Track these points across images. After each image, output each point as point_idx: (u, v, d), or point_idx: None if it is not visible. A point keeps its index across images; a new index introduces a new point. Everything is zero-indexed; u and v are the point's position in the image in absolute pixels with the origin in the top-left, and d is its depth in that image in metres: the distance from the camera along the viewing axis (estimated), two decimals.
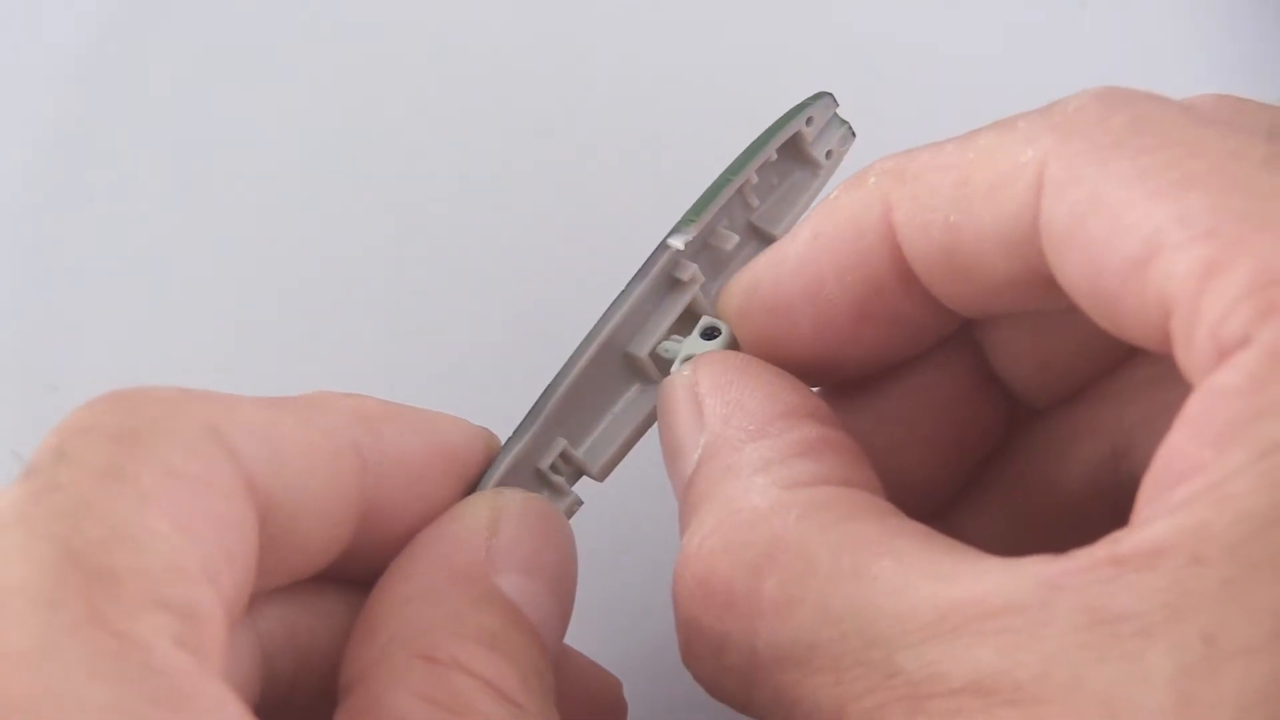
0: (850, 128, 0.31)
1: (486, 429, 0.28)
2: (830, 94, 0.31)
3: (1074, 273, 0.24)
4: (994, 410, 0.30)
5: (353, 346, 0.40)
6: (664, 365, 0.29)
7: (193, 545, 0.21)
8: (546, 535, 0.27)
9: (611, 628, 0.35)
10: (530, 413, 0.29)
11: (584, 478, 0.30)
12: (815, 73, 0.43)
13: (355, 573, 0.26)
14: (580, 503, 0.29)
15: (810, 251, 0.28)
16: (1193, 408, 0.21)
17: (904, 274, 0.27)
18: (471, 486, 0.28)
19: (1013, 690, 0.21)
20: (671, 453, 0.28)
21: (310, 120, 0.43)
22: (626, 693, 0.30)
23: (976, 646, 0.21)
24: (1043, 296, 0.25)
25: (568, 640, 0.28)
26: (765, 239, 0.31)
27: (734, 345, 0.29)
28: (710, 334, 0.29)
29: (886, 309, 0.27)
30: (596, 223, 0.41)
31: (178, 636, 0.20)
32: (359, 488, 0.25)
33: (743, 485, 0.25)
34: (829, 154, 0.31)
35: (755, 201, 0.31)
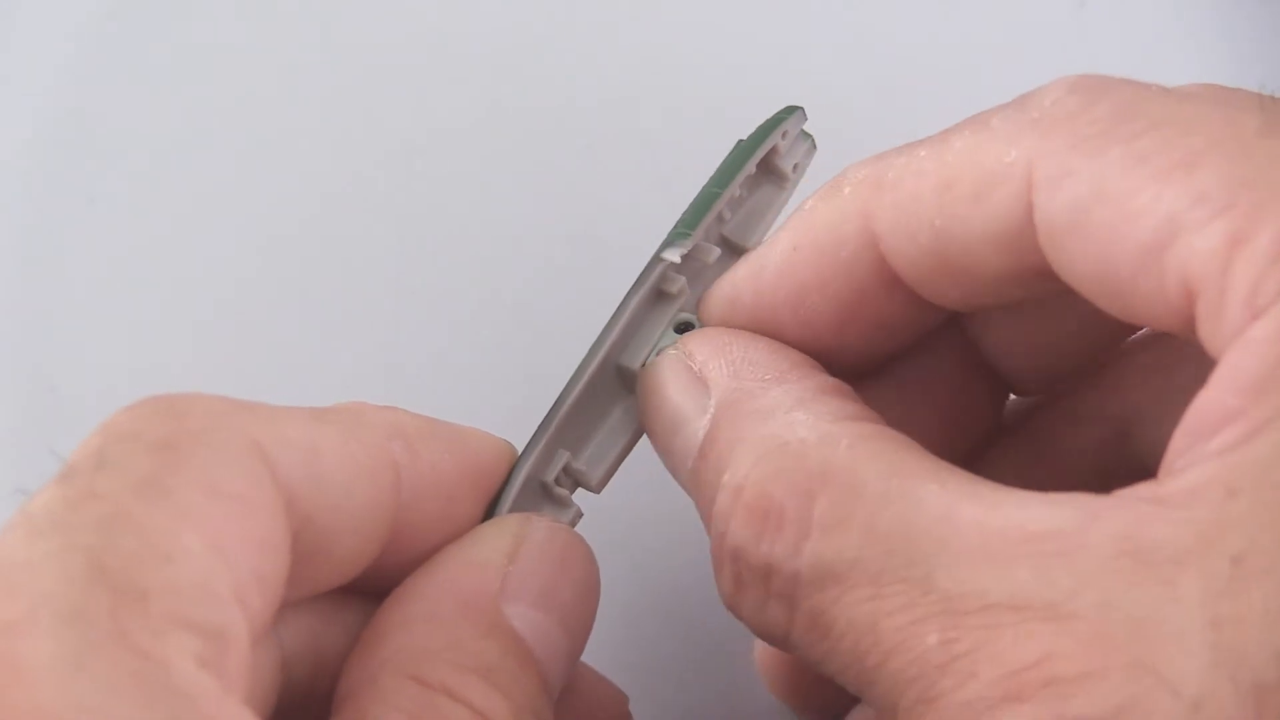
0: (813, 141, 0.32)
1: (509, 442, 0.28)
2: (801, 108, 0.31)
3: (1079, 266, 0.24)
4: (985, 394, 0.30)
5: (352, 346, 0.40)
6: None
7: (224, 566, 0.21)
8: (567, 568, 0.27)
9: (612, 638, 0.35)
10: (540, 427, 0.29)
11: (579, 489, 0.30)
12: (813, 74, 0.43)
13: (377, 584, 0.26)
14: (581, 514, 0.29)
15: (790, 264, 0.28)
16: (1226, 362, 0.22)
17: (888, 279, 0.27)
18: (492, 501, 0.28)
19: (1046, 608, 0.21)
20: (669, 426, 0.28)
21: (312, 125, 0.43)
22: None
23: (1014, 567, 0.22)
24: (1038, 286, 0.25)
25: None
26: (737, 252, 0.31)
27: None
28: (684, 329, 0.30)
29: (872, 313, 0.28)
30: (590, 231, 0.41)
31: (202, 657, 0.20)
32: (393, 504, 0.25)
33: (784, 421, 0.26)
34: (795, 167, 0.32)
35: (727, 215, 0.31)
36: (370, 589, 0.26)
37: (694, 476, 0.27)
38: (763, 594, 0.25)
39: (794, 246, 0.28)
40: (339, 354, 0.40)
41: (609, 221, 0.41)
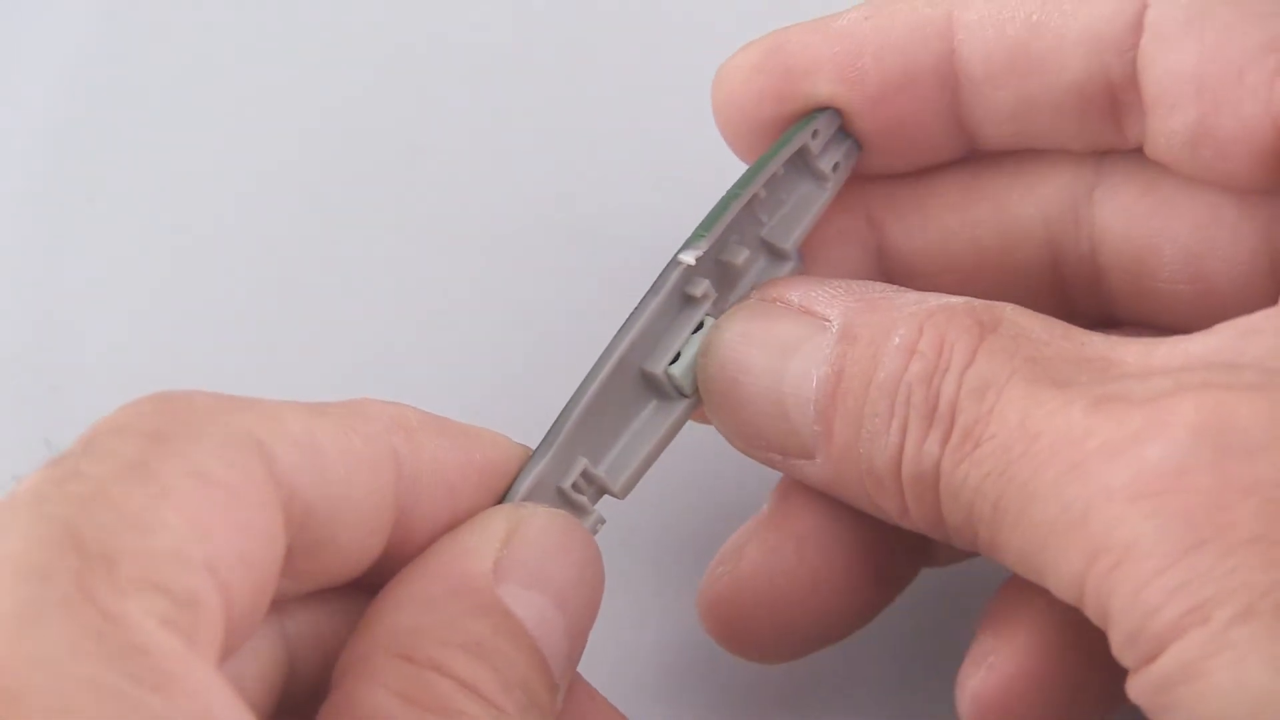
0: (855, 142, 0.31)
1: (524, 445, 0.28)
2: (833, 109, 0.31)
3: (1184, 63, 0.26)
4: None
5: (357, 347, 0.40)
6: (679, 380, 0.29)
7: (201, 540, 0.21)
8: (563, 551, 0.26)
9: (631, 650, 0.35)
10: (550, 431, 0.28)
11: (605, 496, 0.29)
12: None
13: (385, 581, 0.26)
14: (603, 521, 0.29)
15: (859, 24, 0.29)
16: None
17: (944, 79, 0.29)
18: (498, 502, 0.27)
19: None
20: (777, 355, 0.28)
21: (314, 125, 0.43)
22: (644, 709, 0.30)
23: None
24: (1087, 119, 0.28)
25: (593, 683, 0.28)
26: (777, 254, 0.31)
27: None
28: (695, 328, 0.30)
29: (907, 102, 0.29)
30: (612, 237, 0.41)
31: (167, 618, 0.20)
32: (395, 497, 0.25)
33: (942, 302, 0.27)
34: (835, 166, 0.31)
35: (765, 218, 0.31)
36: (378, 585, 0.26)
37: (832, 378, 0.27)
38: (923, 431, 0.26)
39: (867, 16, 0.29)
40: (342, 355, 0.40)
41: (620, 223, 0.40)
